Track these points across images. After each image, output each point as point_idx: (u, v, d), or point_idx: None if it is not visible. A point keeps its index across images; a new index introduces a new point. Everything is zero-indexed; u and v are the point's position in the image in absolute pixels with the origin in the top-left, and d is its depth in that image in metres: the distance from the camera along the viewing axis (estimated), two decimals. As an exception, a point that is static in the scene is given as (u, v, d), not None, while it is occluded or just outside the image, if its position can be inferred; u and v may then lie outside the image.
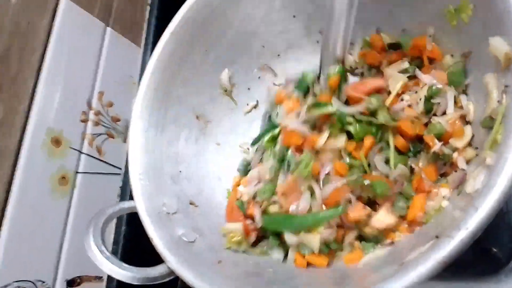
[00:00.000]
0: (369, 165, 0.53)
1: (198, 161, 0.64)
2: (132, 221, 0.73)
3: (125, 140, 0.88)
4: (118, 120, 0.87)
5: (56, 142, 0.73)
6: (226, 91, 0.69)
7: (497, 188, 0.35)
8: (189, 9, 0.62)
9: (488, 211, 0.34)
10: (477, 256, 0.49)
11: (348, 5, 0.51)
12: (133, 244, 0.79)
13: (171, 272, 0.48)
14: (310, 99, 0.59)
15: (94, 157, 0.81)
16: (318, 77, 0.61)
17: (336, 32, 0.53)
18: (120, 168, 0.85)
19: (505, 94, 0.42)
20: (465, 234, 0.35)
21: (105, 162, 0.83)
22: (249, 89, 0.70)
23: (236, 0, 0.64)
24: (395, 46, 0.60)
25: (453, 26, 0.51)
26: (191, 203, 0.58)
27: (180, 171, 0.61)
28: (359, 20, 0.62)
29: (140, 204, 0.52)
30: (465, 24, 0.49)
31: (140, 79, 0.91)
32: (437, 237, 0.39)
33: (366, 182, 0.50)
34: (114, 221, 0.79)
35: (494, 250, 0.50)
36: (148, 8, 0.99)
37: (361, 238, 0.51)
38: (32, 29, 0.72)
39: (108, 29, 0.88)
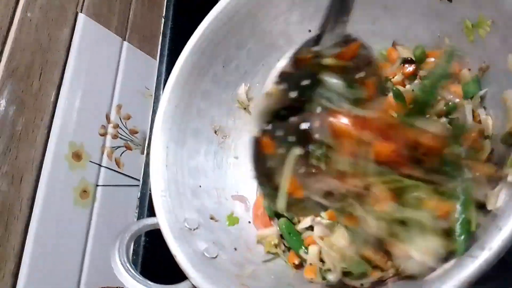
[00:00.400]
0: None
1: (217, 175, 0.65)
2: (151, 231, 0.74)
3: (142, 151, 0.89)
4: (136, 132, 0.89)
5: (77, 156, 0.75)
6: (245, 109, 0.69)
7: (521, 209, 0.35)
8: (209, 24, 0.63)
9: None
10: (496, 270, 0.49)
11: None
12: (153, 254, 0.80)
13: (195, 289, 0.48)
14: None
15: (113, 170, 0.82)
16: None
17: None
18: (138, 180, 0.87)
19: (525, 112, 0.42)
20: (488, 254, 0.35)
21: (123, 174, 0.84)
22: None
23: (254, 16, 0.64)
24: (410, 61, 0.61)
25: (470, 40, 0.52)
26: (211, 218, 0.59)
27: (200, 186, 0.62)
28: (376, 33, 0.63)
29: (163, 221, 0.53)
30: (482, 39, 0.50)
31: (156, 90, 0.93)
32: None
33: None
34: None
35: (515, 264, 0.50)
36: (163, 20, 1.00)
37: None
38: (52, 45, 0.74)
39: (125, 43, 0.89)
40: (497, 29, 0.47)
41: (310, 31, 0.66)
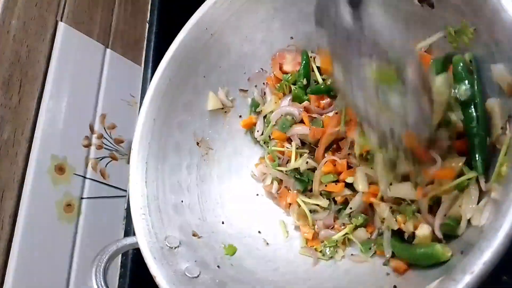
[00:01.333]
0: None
1: (200, 189, 0.64)
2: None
3: (128, 161, 0.88)
4: (121, 141, 0.87)
5: (60, 169, 0.73)
6: (226, 112, 0.68)
7: (502, 232, 0.34)
8: (188, 34, 0.62)
9: (493, 255, 0.34)
10: (486, 284, 0.47)
11: None
12: (141, 266, 0.79)
13: (175, 312, 0.47)
14: None
15: (99, 181, 0.80)
16: None
17: None
18: (125, 190, 0.85)
19: (509, 123, 0.41)
20: (470, 278, 0.34)
21: (109, 185, 0.83)
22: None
23: (235, 24, 0.63)
24: None
25: (454, 47, 0.50)
26: (193, 235, 0.58)
27: (182, 201, 0.60)
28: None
29: (142, 240, 0.52)
30: (466, 46, 0.48)
31: (141, 98, 0.92)
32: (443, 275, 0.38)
33: None
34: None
35: (505, 277, 0.49)
36: (147, 26, 0.98)
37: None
38: (32, 56, 0.72)
39: (108, 50, 0.87)
40: (480, 37, 0.45)
41: (292, 38, 0.65)
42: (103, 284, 0.47)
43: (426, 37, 0.54)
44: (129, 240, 0.54)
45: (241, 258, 0.58)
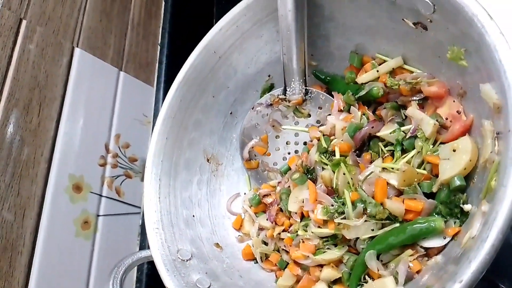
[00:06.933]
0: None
1: (210, 203, 0.67)
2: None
3: (142, 178, 0.91)
4: (135, 160, 0.91)
5: (77, 188, 0.77)
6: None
7: (488, 243, 0.36)
8: (197, 57, 0.66)
9: (480, 265, 0.36)
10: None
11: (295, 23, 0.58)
12: (156, 281, 0.81)
13: (188, 322, 0.50)
14: None
15: (114, 199, 0.84)
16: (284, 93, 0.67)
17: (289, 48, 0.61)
18: (139, 207, 0.88)
19: (497, 140, 0.43)
20: (459, 286, 0.36)
21: (124, 202, 0.86)
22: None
23: (241, 47, 0.67)
24: None
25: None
26: (205, 248, 0.61)
27: (194, 216, 0.64)
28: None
29: (156, 254, 0.55)
30: (460, 65, 0.50)
31: (154, 118, 0.96)
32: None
33: None
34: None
35: (502, 286, 0.51)
36: (159, 48, 1.02)
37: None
38: (50, 81, 0.76)
39: (121, 73, 0.92)
40: (470, 57, 0.48)
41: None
42: (120, 295, 0.50)
43: (419, 55, 0.57)
44: (144, 253, 0.57)
45: (249, 270, 0.61)
